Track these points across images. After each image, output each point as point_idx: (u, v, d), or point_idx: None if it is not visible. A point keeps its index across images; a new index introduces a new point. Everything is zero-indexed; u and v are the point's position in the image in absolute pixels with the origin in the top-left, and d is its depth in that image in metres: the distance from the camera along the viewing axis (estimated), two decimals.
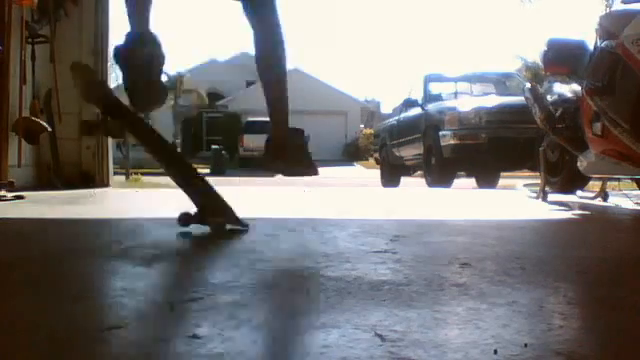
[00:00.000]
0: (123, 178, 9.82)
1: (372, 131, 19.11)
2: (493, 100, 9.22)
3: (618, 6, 4.33)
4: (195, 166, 2.80)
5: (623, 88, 3.61)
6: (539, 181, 5.04)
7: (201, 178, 2.66)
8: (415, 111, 10.24)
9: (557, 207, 4.25)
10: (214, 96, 35.79)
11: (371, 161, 17.46)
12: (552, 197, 4.76)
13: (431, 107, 9.71)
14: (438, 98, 10.19)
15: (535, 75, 21.51)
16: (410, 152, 10.40)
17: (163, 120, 31.80)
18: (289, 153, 2.81)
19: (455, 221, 3.35)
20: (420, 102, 10.18)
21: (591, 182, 5.20)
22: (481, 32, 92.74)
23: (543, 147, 5.05)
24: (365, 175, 18.25)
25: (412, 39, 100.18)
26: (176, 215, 2.51)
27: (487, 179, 10.01)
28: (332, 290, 1.55)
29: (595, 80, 3.86)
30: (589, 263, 2.11)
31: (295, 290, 1.55)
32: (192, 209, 2.53)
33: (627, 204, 4.41)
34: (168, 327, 1.28)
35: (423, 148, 9.54)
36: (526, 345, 1.13)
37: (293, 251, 2.18)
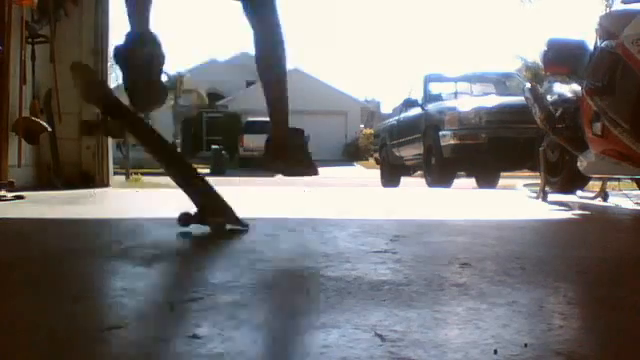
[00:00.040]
0: (123, 178, 9.82)
1: (372, 131, 19.11)
2: (493, 100, 9.22)
3: (618, 6, 4.33)
4: (195, 166, 2.80)
5: (623, 88, 3.61)
6: (539, 181, 5.04)
7: (201, 178, 2.66)
8: (415, 111, 10.24)
9: (557, 207, 4.25)
10: (214, 96, 35.79)
11: (371, 161, 17.46)
12: (552, 197, 4.76)
13: (431, 107, 9.71)
14: (438, 98, 10.19)
15: (535, 75, 21.51)
16: (410, 152, 10.40)
17: (163, 120, 31.78)
18: (289, 153, 2.80)
19: (455, 221, 3.35)
20: (420, 102, 10.18)
21: (591, 182, 5.20)
22: (481, 32, 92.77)
23: (543, 147, 5.05)
24: (365, 175, 18.25)
25: (412, 39, 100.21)
26: (176, 215, 2.51)
27: (487, 179, 10.01)
28: (332, 290, 1.55)
29: (595, 80, 3.86)
30: (589, 263, 2.11)
31: (295, 290, 1.55)
32: (192, 209, 2.53)
33: (627, 204, 4.41)
34: (168, 327, 1.28)
35: (423, 148, 9.54)
36: (526, 345, 1.13)
37: (293, 251, 2.18)
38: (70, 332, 1.24)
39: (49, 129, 5.37)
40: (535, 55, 22.05)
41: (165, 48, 2.71)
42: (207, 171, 19.13)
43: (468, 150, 8.54)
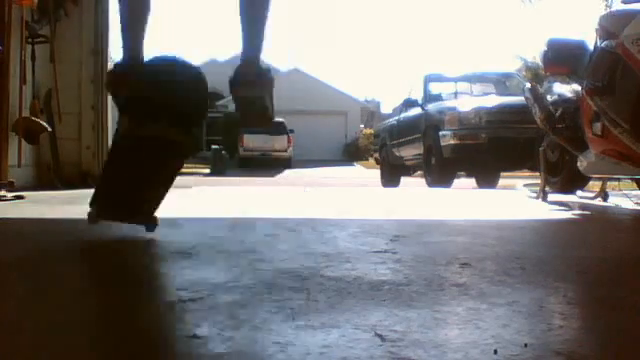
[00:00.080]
0: None
1: (372, 131, 19.12)
2: (493, 100, 9.23)
3: (618, 6, 4.33)
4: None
5: (623, 88, 3.61)
6: (539, 181, 5.04)
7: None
8: (415, 111, 10.24)
9: (557, 207, 4.26)
10: (214, 96, 35.75)
11: (371, 161, 17.47)
12: (552, 197, 4.76)
13: (431, 107, 9.71)
14: (438, 98, 10.19)
15: (535, 75, 21.52)
16: (410, 152, 10.40)
17: None
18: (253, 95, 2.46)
19: (455, 221, 3.35)
20: (420, 102, 10.18)
21: (591, 182, 5.20)
22: (481, 32, 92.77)
23: (543, 147, 5.05)
24: (365, 175, 18.26)
25: (412, 39, 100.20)
26: (176, 215, 2.51)
27: (487, 179, 10.02)
28: (332, 290, 1.55)
29: (595, 80, 3.86)
30: (589, 263, 2.11)
31: (295, 290, 1.55)
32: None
33: (627, 204, 4.41)
34: (168, 327, 1.28)
35: (423, 148, 9.54)
36: (526, 345, 1.13)
37: (293, 251, 2.18)
38: (70, 332, 1.24)
39: (49, 129, 5.37)
40: (535, 55, 22.07)
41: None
42: (207, 171, 19.17)
43: (468, 150, 8.54)
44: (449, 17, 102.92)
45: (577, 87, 4.43)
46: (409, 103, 10.54)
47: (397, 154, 11.08)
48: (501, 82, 10.99)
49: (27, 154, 5.32)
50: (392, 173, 11.52)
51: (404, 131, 10.59)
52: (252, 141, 26.50)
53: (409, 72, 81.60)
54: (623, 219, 3.96)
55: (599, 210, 4.26)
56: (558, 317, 1.37)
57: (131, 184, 2.34)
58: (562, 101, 4.65)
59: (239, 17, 2.44)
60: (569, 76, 4.73)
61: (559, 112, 4.61)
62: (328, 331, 1.21)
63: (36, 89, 5.47)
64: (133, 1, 2.49)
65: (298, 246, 2.28)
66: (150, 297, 1.58)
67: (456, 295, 1.54)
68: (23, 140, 5.10)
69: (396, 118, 11.30)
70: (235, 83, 2.41)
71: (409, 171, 11.32)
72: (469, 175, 10.64)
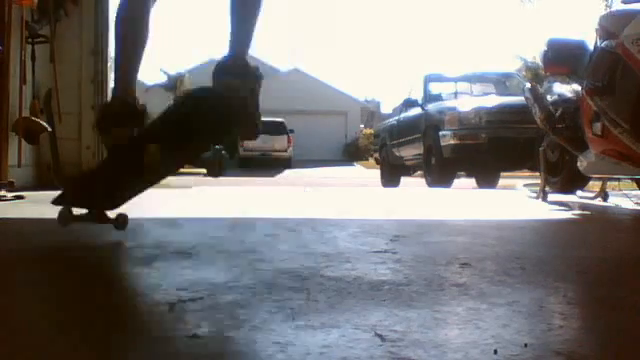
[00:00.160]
0: None
1: (372, 131, 19.12)
2: (493, 100, 9.23)
3: (618, 6, 4.33)
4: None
5: (623, 88, 3.61)
6: (539, 181, 5.04)
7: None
8: (415, 111, 10.24)
9: (557, 207, 4.25)
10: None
11: (371, 161, 17.47)
12: (552, 197, 4.76)
13: (431, 107, 9.71)
14: (438, 98, 10.19)
15: (535, 75, 21.52)
16: (410, 152, 10.40)
17: None
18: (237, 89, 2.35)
19: (455, 221, 3.35)
20: (420, 102, 10.18)
21: (591, 182, 5.20)
22: (481, 32, 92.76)
23: (543, 147, 5.05)
24: (365, 175, 18.26)
25: (412, 39, 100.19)
26: (176, 215, 2.51)
27: (487, 179, 10.02)
28: (332, 290, 1.55)
29: (595, 80, 3.86)
30: (589, 263, 2.11)
31: (295, 290, 1.55)
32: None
33: (627, 204, 4.41)
34: (168, 327, 1.28)
35: (423, 148, 9.54)
36: (526, 345, 1.13)
37: (293, 251, 2.18)
38: (70, 332, 1.24)
39: (49, 129, 5.36)
40: (535, 55, 22.07)
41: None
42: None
43: (468, 150, 8.54)
44: (449, 17, 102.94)
45: (577, 87, 4.43)
46: (409, 103, 10.54)
47: (397, 154, 11.08)
48: (501, 82, 10.99)
49: (27, 154, 5.31)
50: (392, 173, 11.52)
51: (404, 131, 10.59)
52: (252, 141, 26.49)
53: (409, 72, 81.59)
54: (623, 219, 3.96)
55: (599, 210, 4.26)
56: (558, 317, 1.37)
57: (108, 179, 2.35)
58: (562, 101, 4.65)
59: (229, 15, 2.43)
60: (569, 76, 4.73)
61: (559, 112, 4.61)
62: (328, 331, 1.21)
63: (36, 89, 5.46)
64: (130, 40, 2.45)
65: (298, 246, 2.28)
66: (150, 297, 1.58)
67: (456, 295, 1.54)
68: (23, 140, 5.09)
69: (396, 118, 11.30)
70: (218, 72, 2.36)
71: (409, 171, 11.31)
72: (469, 175, 10.64)
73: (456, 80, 11.03)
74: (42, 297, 1.54)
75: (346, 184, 10.49)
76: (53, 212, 2.36)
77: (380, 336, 1.18)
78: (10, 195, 4.17)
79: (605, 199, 4.68)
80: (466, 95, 10.45)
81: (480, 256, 2.12)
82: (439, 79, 11.04)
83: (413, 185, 9.88)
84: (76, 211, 2.34)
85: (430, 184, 8.98)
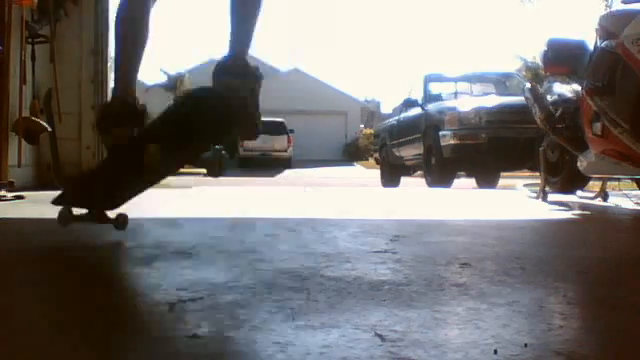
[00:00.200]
0: None
1: (372, 131, 19.11)
2: (493, 100, 9.23)
3: (618, 6, 4.33)
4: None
5: (623, 88, 3.61)
6: (539, 181, 5.04)
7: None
8: (415, 111, 10.24)
9: (557, 207, 4.26)
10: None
11: (371, 161, 17.47)
12: (552, 197, 4.76)
13: (431, 107, 9.71)
14: (438, 98, 10.19)
15: (535, 75, 21.51)
16: (410, 152, 10.40)
17: None
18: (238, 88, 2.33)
19: (455, 221, 3.35)
20: (420, 102, 10.18)
21: (591, 182, 5.20)
22: (481, 32, 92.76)
23: (543, 147, 5.05)
24: (365, 175, 18.26)
25: (412, 39, 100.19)
26: (176, 215, 2.51)
27: (487, 179, 10.02)
28: (332, 290, 1.55)
29: (595, 80, 3.86)
30: (589, 263, 2.11)
31: (295, 290, 1.55)
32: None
33: (627, 204, 4.41)
34: (168, 327, 1.28)
35: (423, 148, 9.54)
36: (526, 345, 1.13)
37: (293, 251, 2.18)
38: (70, 332, 1.24)
39: (49, 129, 5.35)
40: (535, 55, 22.07)
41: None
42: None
43: (468, 150, 8.54)
44: (449, 17, 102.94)
45: (577, 87, 4.43)
46: (409, 103, 10.54)
47: (397, 154, 11.08)
48: (501, 82, 10.99)
49: (27, 154, 5.31)
50: (392, 173, 11.52)
51: (404, 131, 10.59)
52: (252, 141, 26.49)
53: (409, 72, 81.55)
54: (623, 219, 3.96)
55: (599, 210, 4.26)
56: (558, 317, 1.37)
57: (108, 179, 2.35)
58: (562, 101, 4.65)
59: (229, 15, 2.42)
60: (569, 76, 4.73)
61: (559, 112, 4.61)
62: (328, 331, 1.21)
63: (36, 89, 5.46)
64: (130, 41, 2.45)
65: (298, 246, 2.28)
66: (150, 297, 1.58)
67: (456, 295, 1.54)
68: (23, 140, 5.09)
69: (396, 118, 11.30)
70: (218, 72, 2.35)
71: (409, 171, 11.31)
72: (469, 175, 10.64)
73: (456, 80, 11.03)
74: (42, 297, 1.54)
75: (346, 184, 10.49)
76: (53, 212, 2.36)
77: (380, 336, 1.18)
78: (10, 195, 4.17)
79: (605, 199, 4.68)
80: (466, 95, 10.45)
81: (480, 256, 2.12)
82: (439, 79, 11.04)
83: (413, 185, 9.88)
84: (76, 211, 2.34)
85: (430, 184, 8.98)
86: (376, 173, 12.91)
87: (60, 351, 1.12)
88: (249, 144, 26.50)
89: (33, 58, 5.33)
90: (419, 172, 10.74)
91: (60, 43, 5.60)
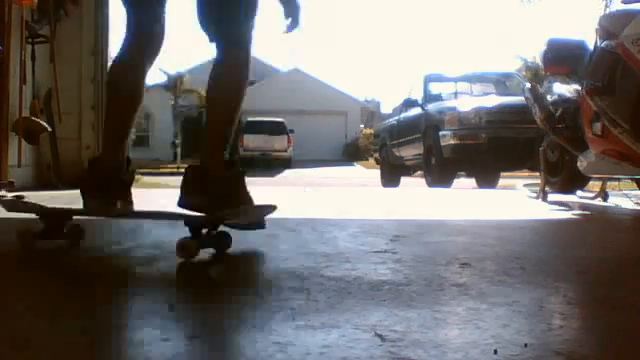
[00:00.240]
0: None
1: (372, 131, 19.11)
2: (493, 100, 9.22)
3: (618, 6, 4.33)
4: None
5: (623, 88, 3.61)
6: (539, 181, 5.04)
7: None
8: (415, 111, 10.24)
9: (557, 207, 4.26)
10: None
11: (371, 161, 17.46)
12: (552, 197, 4.76)
13: (431, 107, 9.71)
14: (438, 98, 10.18)
15: (535, 75, 21.50)
16: (410, 152, 10.40)
17: (163, 120, 31.83)
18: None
19: (455, 221, 3.35)
20: (420, 102, 10.18)
21: (591, 182, 5.20)
22: (481, 32, 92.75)
23: (543, 147, 5.05)
24: (365, 175, 18.25)
25: (412, 39, 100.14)
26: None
27: (487, 179, 10.01)
28: (332, 290, 1.55)
29: (595, 80, 3.86)
30: (589, 263, 2.11)
31: (295, 290, 1.55)
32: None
33: (627, 204, 4.41)
34: (168, 327, 1.28)
35: (423, 148, 9.54)
36: (526, 345, 1.13)
37: (293, 251, 2.18)
38: (70, 332, 1.24)
39: (49, 129, 5.37)
40: (535, 55, 22.05)
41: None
42: None
43: (468, 150, 8.54)
44: (449, 17, 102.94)
45: (577, 87, 4.43)
46: (409, 103, 10.54)
47: (397, 154, 11.08)
48: (501, 82, 10.98)
49: (27, 154, 5.32)
50: (392, 173, 11.51)
51: (404, 131, 10.59)
52: (252, 141, 26.48)
53: (409, 72, 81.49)
54: (623, 219, 3.96)
55: (599, 210, 4.26)
56: (558, 317, 1.38)
57: None
58: (562, 101, 4.65)
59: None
60: (569, 76, 4.72)
61: (559, 112, 4.60)
62: (328, 331, 1.21)
63: (36, 89, 5.46)
64: (122, 114, 2.30)
65: (298, 246, 2.28)
66: (150, 297, 1.58)
67: (456, 295, 1.54)
68: (23, 140, 5.09)
69: (396, 118, 11.29)
70: (181, 200, 2.16)
71: (409, 171, 11.30)
72: (469, 175, 10.63)
73: (456, 80, 11.02)
74: (42, 297, 1.54)
75: (346, 184, 10.49)
76: None
77: (380, 336, 1.18)
78: (10, 195, 4.17)
79: (605, 199, 4.68)
80: (466, 95, 10.44)
81: (480, 256, 2.12)
82: (439, 79, 11.03)
83: (413, 185, 9.88)
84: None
85: (430, 184, 8.98)
86: (376, 173, 12.90)
87: (59, 351, 1.12)
88: (249, 144, 26.52)
89: (33, 58, 5.33)
90: (419, 172, 10.74)
91: (60, 43, 5.60)
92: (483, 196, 5.92)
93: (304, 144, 30.71)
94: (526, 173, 9.76)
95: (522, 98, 5.33)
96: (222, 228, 2.05)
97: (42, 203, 2.50)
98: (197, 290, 1.61)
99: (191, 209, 2.13)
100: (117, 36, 3.03)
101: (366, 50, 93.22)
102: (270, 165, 24.47)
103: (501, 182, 9.93)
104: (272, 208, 2.28)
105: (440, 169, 8.87)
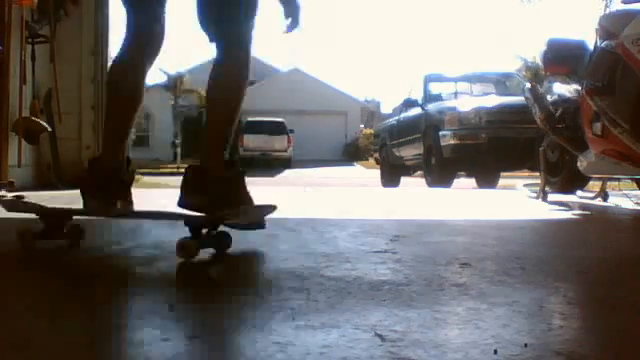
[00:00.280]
0: None
1: (372, 131, 19.10)
2: (493, 100, 9.22)
3: (618, 6, 4.33)
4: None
5: (623, 88, 3.61)
6: (539, 181, 5.03)
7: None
8: (415, 111, 10.24)
9: (557, 207, 4.26)
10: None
11: (371, 161, 17.45)
12: (552, 197, 4.76)
13: (431, 107, 9.71)
14: (438, 98, 10.18)
15: (535, 75, 21.50)
16: (410, 152, 10.40)
17: (163, 120, 31.82)
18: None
19: (455, 221, 3.35)
20: (420, 102, 10.18)
21: (591, 182, 5.20)
22: (481, 32, 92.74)
23: (543, 147, 5.05)
24: (365, 175, 18.25)
25: (412, 39, 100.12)
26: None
27: (487, 179, 10.01)
28: (332, 290, 1.55)
29: (595, 80, 3.86)
30: (589, 263, 2.11)
31: (295, 290, 1.55)
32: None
33: (627, 204, 4.41)
34: (168, 327, 1.28)
35: (423, 148, 9.54)
36: (526, 345, 1.13)
37: (293, 251, 2.18)
38: (70, 332, 1.24)
39: (49, 129, 5.37)
40: (535, 55, 22.05)
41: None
42: None
43: (468, 150, 8.54)
44: (449, 17, 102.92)
45: (577, 87, 4.43)
46: (409, 103, 10.54)
47: (397, 154, 11.08)
48: (501, 82, 10.98)
49: (27, 154, 5.32)
50: (392, 173, 11.51)
51: (404, 131, 10.59)
52: (252, 141, 26.48)
53: (409, 72, 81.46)
54: (623, 219, 3.96)
55: (599, 210, 4.26)
56: (558, 317, 1.38)
57: None
58: (562, 101, 4.65)
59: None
60: (569, 76, 4.72)
61: (559, 112, 4.60)
62: (328, 331, 1.21)
63: (36, 89, 5.46)
64: (122, 114, 2.30)
65: (298, 246, 2.28)
66: (150, 297, 1.58)
67: (456, 295, 1.54)
68: (23, 140, 5.09)
69: (396, 118, 11.29)
70: (181, 200, 2.16)
71: (409, 171, 11.30)
72: (469, 175, 10.63)
73: (456, 80, 11.02)
74: (42, 297, 1.54)
75: (346, 184, 10.49)
76: None
77: (380, 336, 1.18)
78: (10, 195, 4.17)
79: (605, 199, 4.68)
80: (466, 95, 10.44)
81: (480, 256, 2.12)
82: (439, 79, 11.03)
83: (413, 185, 9.88)
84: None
85: (430, 184, 8.98)
86: (376, 173, 12.90)
87: (59, 351, 1.12)
88: (249, 144, 26.51)
89: (33, 58, 5.33)
90: (419, 172, 10.74)
91: (60, 43, 5.60)
92: (483, 196, 5.92)
93: (304, 144, 30.71)
94: (526, 173, 9.76)
95: (522, 98, 5.33)
96: (222, 228, 2.06)
97: (42, 203, 2.50)
98: (197, 290, 1.61)
99: (191, 209, 2.13)
100: (117, 36, 3.03)
101: (366, 50, 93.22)
102: (270, 165, 24.47)
103: (501, 182, 9.93)
104: (272, 208, 2.29)
105: (440, 169, 8.87)
